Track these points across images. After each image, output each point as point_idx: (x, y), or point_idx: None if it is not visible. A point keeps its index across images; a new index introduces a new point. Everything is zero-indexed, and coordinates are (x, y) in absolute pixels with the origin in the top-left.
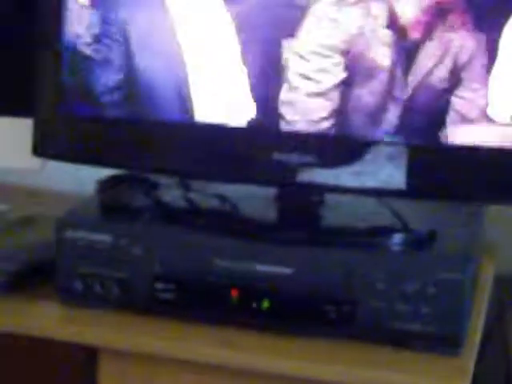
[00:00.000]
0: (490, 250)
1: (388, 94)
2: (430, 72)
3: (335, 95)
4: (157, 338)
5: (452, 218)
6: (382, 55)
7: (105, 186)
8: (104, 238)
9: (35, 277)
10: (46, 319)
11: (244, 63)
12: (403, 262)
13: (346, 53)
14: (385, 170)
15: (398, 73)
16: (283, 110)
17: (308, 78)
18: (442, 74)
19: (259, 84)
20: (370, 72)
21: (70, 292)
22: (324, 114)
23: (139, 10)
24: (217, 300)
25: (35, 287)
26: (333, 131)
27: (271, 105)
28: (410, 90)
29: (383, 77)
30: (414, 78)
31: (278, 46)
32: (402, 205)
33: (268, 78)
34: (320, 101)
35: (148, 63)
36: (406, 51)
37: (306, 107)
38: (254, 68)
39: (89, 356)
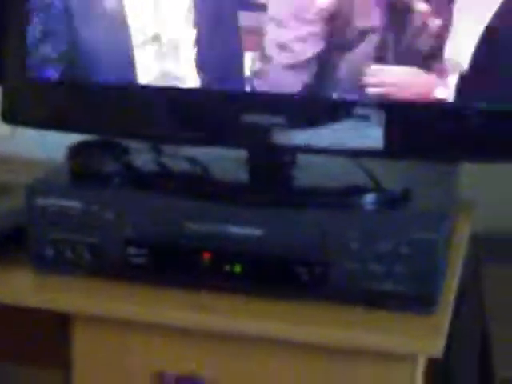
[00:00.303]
0: (465, 207)
1: (376, 57)
2: (417, 34)
3: (312, 66)
4: (129, 302)
5: (426, 176)
6: (373, 17)
7: (75, 151)
8: (74, 203)
9: (7, 244)
10: (18, 286)
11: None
12: (377, 221)
13: (330, 17)
14: (359, 131)
15: (389, 35)
16: (255, 80)
17: (284, 48)
18: (427, 37)
19: (216, 46)
20: (358, 36)
21: (42, 259)
22: (299, 87)
23: None
24: (189, 263)
25: (7, 255)
26: (305, 93)
27: (235, 68)
28: (398, 53)
29: (372, 40)
30: (403, 42)
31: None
32: (376, 164)
33: (225, 40)
34: (295, 73)
35: (93, 29)
36: (397, 12)
37: (279, 79)
38: (210, 30)
39: (62, 322)
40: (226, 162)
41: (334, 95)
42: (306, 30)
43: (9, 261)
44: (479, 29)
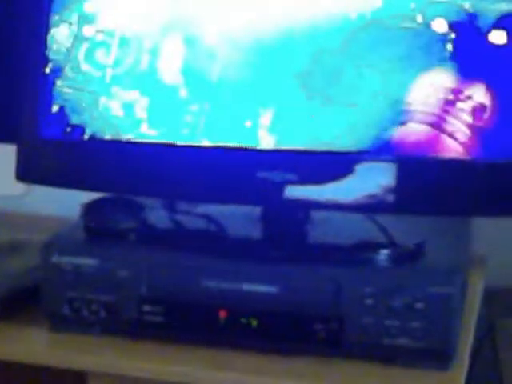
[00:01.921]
0: (479, 261)
1: None
2: None
3: None
4: (146, 361)
5: (439, 229)
6: None
7: (90, 209)
8: (90, 261)
9: (21, 303)
10: (34, 345)
11: None
12: (391, 277)
13: None
14: (372, 186)
15: None
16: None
17: None
18: None
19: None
20: None
21: (58, 317)
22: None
23: None
24: (205, 321)
25: (22, 313)
26: (317, 147)
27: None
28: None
29: None
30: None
31: None
32: (388, 217)
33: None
34: None
35: None
36: None
37: None
38: None
39: (78, 381)
40: (241, 218)
41: (348, 151)
42: None
43: (24, 319)
44: None
